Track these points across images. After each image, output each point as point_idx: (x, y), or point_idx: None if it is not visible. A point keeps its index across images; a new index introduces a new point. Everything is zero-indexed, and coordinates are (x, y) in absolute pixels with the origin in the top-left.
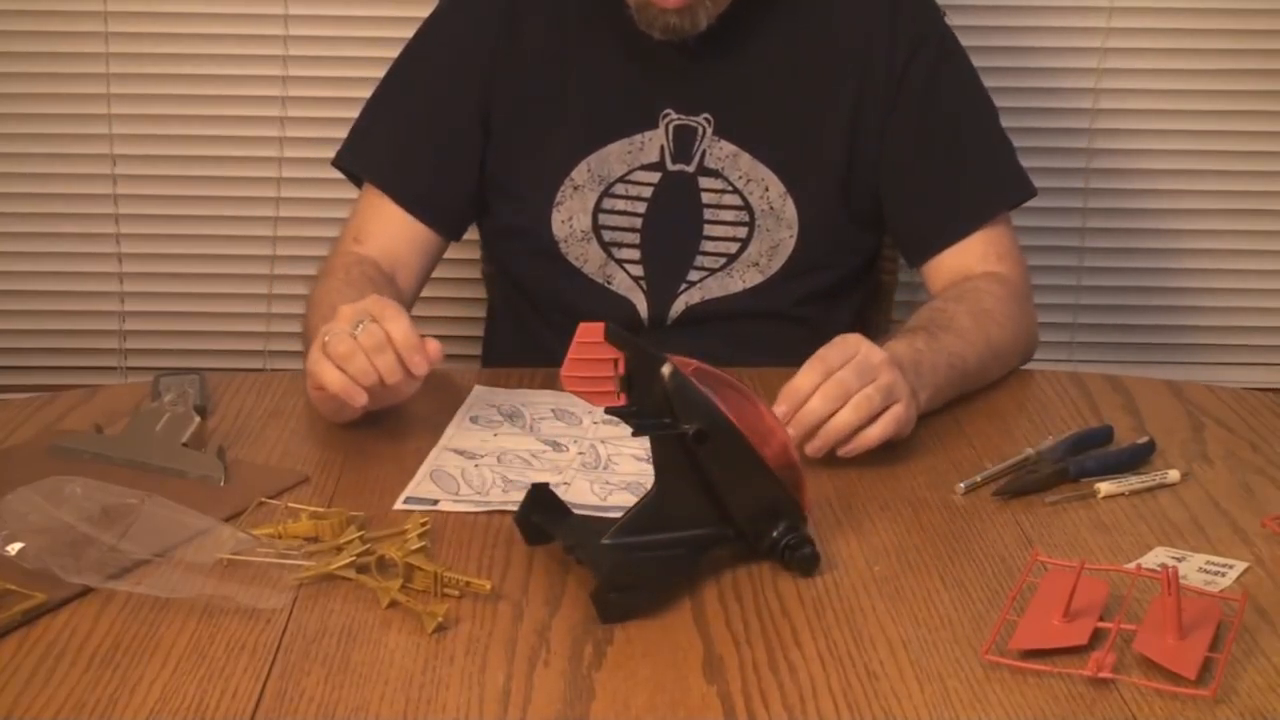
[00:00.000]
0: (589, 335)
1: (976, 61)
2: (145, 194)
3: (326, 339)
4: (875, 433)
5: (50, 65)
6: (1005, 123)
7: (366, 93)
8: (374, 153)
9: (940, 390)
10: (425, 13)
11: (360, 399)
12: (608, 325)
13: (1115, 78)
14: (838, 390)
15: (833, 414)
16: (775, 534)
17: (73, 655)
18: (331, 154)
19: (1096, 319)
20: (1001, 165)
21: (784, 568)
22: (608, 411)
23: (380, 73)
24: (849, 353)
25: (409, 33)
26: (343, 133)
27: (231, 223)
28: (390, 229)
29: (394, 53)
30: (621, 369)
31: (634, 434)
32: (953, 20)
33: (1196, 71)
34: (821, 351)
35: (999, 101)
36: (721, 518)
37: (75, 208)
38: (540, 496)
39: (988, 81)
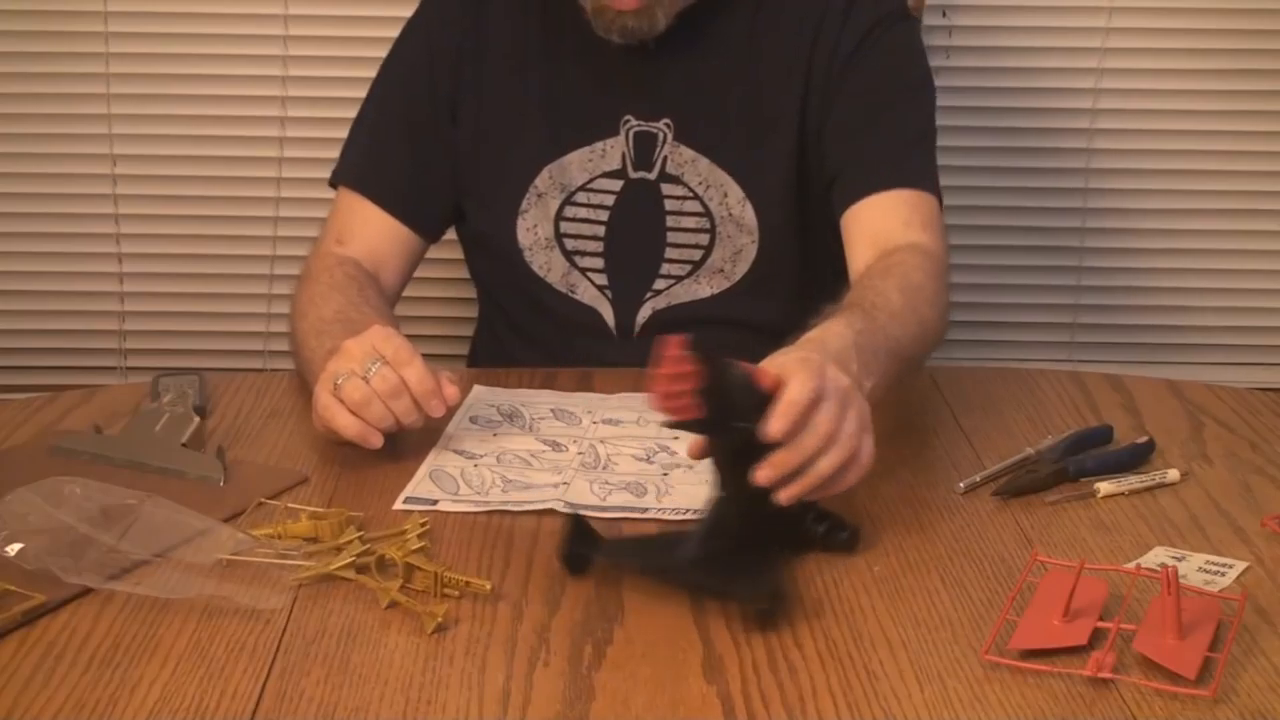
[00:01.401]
0: (671, 349)
1: (976, 61)
2: (145, 194)
3: (339, 383)
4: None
5: (50, 65)
6: (1005, 123)
7: (366, 93)
8: (349, 156)
9: (884, 375)
10: None
11: (377, 442)
12: (687, 338)
13: (1115, 78)
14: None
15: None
16: (807, 524)
17: (73, 655)
18: (331, 154)
19: (1096, 319)
20: (927, 153)
21: (824, 550)
22: (684, 426)
23: None
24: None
25: None
26: (343, 133)
27: (231, 223)
28: (371, 229)
29: None
30: (701, 380)
31: (712, 439)
32: (953, 20)
33: (1196, 71)
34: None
35: (999, 101)
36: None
37: (75, 208)
38: (579, 529)
39: (988, 82)
